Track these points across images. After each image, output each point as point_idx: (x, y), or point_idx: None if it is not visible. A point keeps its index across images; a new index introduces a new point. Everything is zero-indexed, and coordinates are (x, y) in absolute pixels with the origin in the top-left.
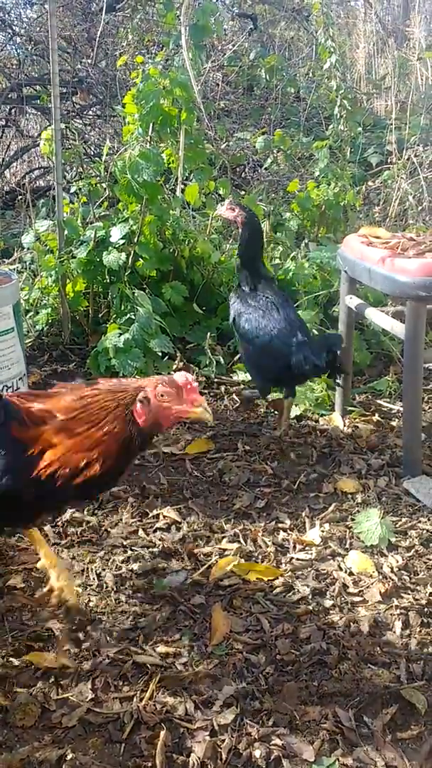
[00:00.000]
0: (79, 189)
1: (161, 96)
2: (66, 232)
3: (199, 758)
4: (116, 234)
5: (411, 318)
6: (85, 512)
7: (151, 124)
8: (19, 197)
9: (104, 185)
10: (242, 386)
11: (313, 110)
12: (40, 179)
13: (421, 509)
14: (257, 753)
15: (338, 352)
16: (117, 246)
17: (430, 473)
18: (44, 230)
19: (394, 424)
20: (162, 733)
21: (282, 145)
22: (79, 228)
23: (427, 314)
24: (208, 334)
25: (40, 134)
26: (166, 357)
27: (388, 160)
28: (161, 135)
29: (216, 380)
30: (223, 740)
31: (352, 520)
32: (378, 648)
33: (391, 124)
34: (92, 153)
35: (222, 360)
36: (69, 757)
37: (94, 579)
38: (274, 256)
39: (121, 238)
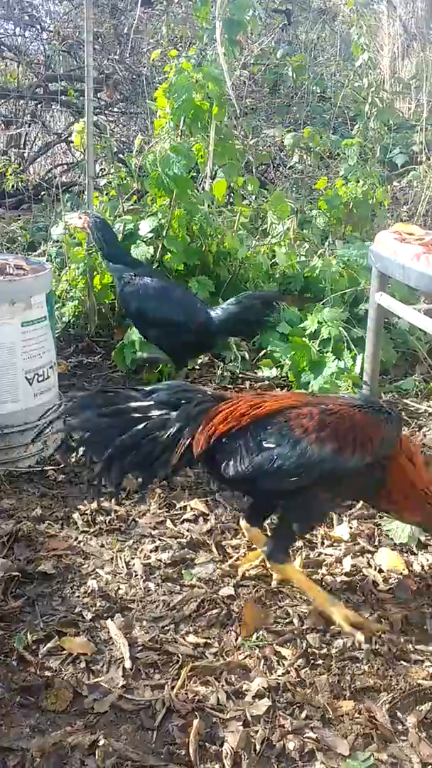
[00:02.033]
0: (109, 182)
1: (194, 90)
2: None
3: (232, 748)
4: (145, 227)
5: None
6: (113, 502)
7: (182, 118)
8: (43, 193)
9: (133, 179)
10: (267, 382)
11: (339, 110)
12: (64, 175)
13: None
14: (291, 745)
15: (277, 305)
16: (145, 239)
17: None
18: (72, 224)
19: (421, 422)
20: (195, 722)
21: (311, 141)
22: (108, 220)
23: None
24: None
25: (65, 131)
26: None
27: (416, 160)
28: (192, 129)
29: (241, 376)
30: (257, 731)
31: (381, 517)
32: (410, 645)
33: (417, 124)
34: (117, 149)
35: (247, 356)
36: (101, 742)
37: (123, 567)
38: (300, 253)
39: (150, 232)
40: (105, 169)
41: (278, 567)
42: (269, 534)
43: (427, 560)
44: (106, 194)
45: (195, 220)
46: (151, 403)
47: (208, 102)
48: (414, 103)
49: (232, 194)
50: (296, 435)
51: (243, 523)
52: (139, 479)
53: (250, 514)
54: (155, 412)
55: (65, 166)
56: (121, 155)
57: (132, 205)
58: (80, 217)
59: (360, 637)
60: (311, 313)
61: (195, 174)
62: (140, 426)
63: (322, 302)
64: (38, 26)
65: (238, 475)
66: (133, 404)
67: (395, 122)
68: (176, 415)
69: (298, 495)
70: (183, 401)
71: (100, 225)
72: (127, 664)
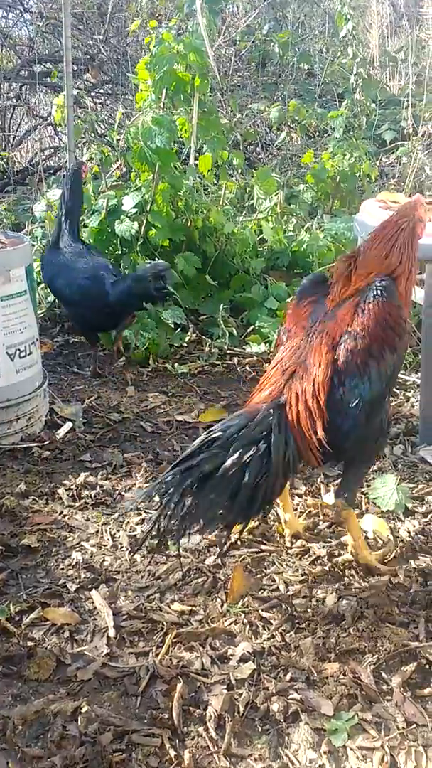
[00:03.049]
0: (91, 157)
1: (175, 61)
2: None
3: (216, 711)
4: (128, 203)
5: (430, 280)
6: (99, 476)
7: (164, 90)
8: (29, 176)
9: (116, 154)
10: (255, 357)
11: (326, 86)
12: (51, 159)
13: None
14: (275, 707)
15: (168, 276)
16: (129, 215)
17: None
18: (56, 199)
19: (409, 394)
20: (179, 686)
21: (297, 115)
22: (91, 197)
23: None
24: (221, 305)
25: (50, 115)
26: (179, 328)
27: (405, 135)
28: (174, 101)
29: (229, 352)
30: (241, 694)
31: (368, 486)
32: (396, 608)
33: (407, 101)
34: (103, 132)
35: (235, 332)
36: (84, 709)
37: (108, 540)
38: (288, 228)
39: (134, 207)
40: (88, 150)
41: (349, 512)
42: (341, 483)
43: (414, 526)
44: (88, 171)
45: (180, 195)
46: (240, 450)
47: (190, 73)
48: (402, 80)
49: (217, 169)
50: (365, 372)
51: None
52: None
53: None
54: (247, 456)
55: (52, 150)
56: (108, 136)
57: (115, 181)
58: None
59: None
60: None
61: (180, 149)
62: (247, 478)
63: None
64: (21, 8)
65: (351, 445)
66: (229, 462)
67: (383, 98)
68: (268, 446)
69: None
70: (262, 432)
71: (78, 174)
72: (111, 632)
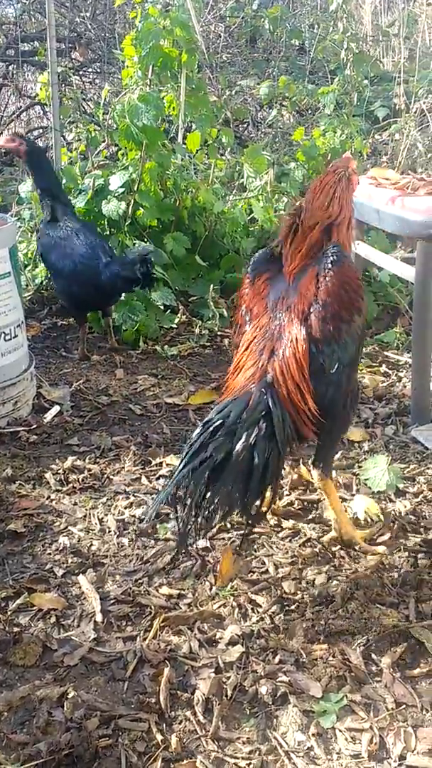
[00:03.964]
0: (78, 136)
1: (161, 36)
2: (64, 180)
3: (203, 694)
4: (116, 182)
5: (422, 259)
6: (87, 460)
7: (150, 67)
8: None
9: (103, 133)
10: None
11: (318, 63)
12: (39, 140)
13: (429, 456)
14: (263, 689)
15: (152, 261)
16: (116, 194)
17: None
18: None
19: (401, 374)
20: (166, 671)
21: (287, 92)
22: (77, 176)
23: None
24: (211, 286)
25: (37, 94)
26: (169, 310)
27: (397, 113)
28: (161, 78)
29: (220, 333)
30: (229, 677)
31: (359, 467)
32: (386, 589)
33: (399, 77)
34: (91, 111)
35: (225, 313)
36: (71, 694)
37: (96, 524)
38: (279, 207)
39: (121, 187)
40: (76, 126)
41: (328, 483)
42: (317, 454)
43: (405, 506)
44: (75, 151)
45: (168, 174)
46: (245, 433)
47: (177, 49)
48: (395, 56)
49: (206, 147)
50: (339, 338)
51: None
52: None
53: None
54: (253, 438)
55: (40, 130)
56: (94, 116)
57: (102, 160)
58: (13, 139)
59: (381, 549)
60: None
61: (167, 127)
62: (257, 459)
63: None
64: None
65: (337, 407)
66: (238, 446)
67: (376, 74)
68: (268, 424)
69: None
70: (261, 412)
71: (37, 151)
72: (98, 617)
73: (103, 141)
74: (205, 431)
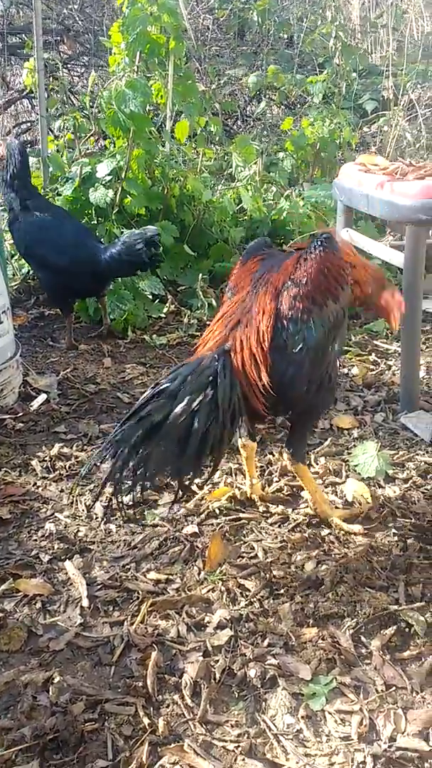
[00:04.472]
0: (65, 124)
1: (148, 22)
2: (50, 169)
3: (191, 678)
4: (103, 170)
5: (410, 244)
6: (74, 448)
7: (138, 53)
8: None
9: (90, 121)
10: None
11: (307, 56)
12: (27, 133)
13: (418, 443)
14: (252, 673)
15: (159, 242)
16: (104, 182)
17: (428, 409)
18: None
19: (390, 363)
20: (153, 654)
21: (276, 81)
22: (64, 164)
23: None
24: (200, 276)
25: (26, 88)
26: (157, 299)
27: (386, 106)
28: (149, 65)
29: (208, 323)
30: (217, 660)
31: (349, 454)
32: (375, 572)
33: (387, 70)
34: (79, 101)
35: (214, 303)
36: (56, 679)
37: (83, 510)
38: (268, 197)
39: (108, 174)
40: (63, 115)
41: (298, 466)
42: (288, 440)
43: (394, 492)
44: (62, 139)
45: (156, 162)
46: (187, 397)
47: (164, 36)
48: (383, 50)
49: (195, 136)
50: (308, 319)
51: (242, 441)
52: (212, 465)
53: (252, 428)
54: (196, 403)
55: (29, 125)
56: (81, 105)
57: (89, 148)
58: None
59: (356, 528)
60: None
61: (156, 116)
62: (196, 424)
63: (290, 244)
64: None
65: (298, 394)
66: (178, 409)
67: (364, 67)
68: (215, 391)
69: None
70: (209, 377)
71: (21, 150)
72: (85, 602)
73: (90, 129)
74: (152, 394)
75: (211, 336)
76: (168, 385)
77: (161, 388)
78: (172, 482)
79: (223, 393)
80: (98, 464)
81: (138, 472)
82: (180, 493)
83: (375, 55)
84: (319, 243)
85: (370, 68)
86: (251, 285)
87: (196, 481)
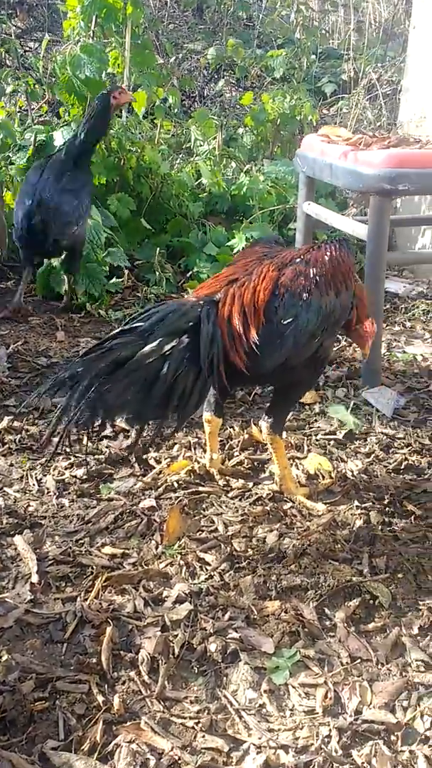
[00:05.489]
0: (17, 89)
1: None
2: (1, 135)
3: (149, 654)
4: (59, 138)
5: (374, 215)
6: (25, 421)
7: (93, 17)
8: None
9: (43, 87)
10: None
11: (266, 37)
12: None
13: (380, 418)
14: (212, 647)
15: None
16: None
17: (389, 384)
18: None
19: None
20: (108, 630)
21: (235, 56)
22: (16, 131)
23: None
24: (158, 250)
25: None
26: (114, 276)
27: (345, 87)
28: (105, 30)
29: (165, 298)
30: (176, 635)
31: (310, 428)
32: (339, 545)
33: (347, 54)
34: (31, 65)
35: (172, 278)
36: (4, 657)
37: (33, 484)
38: (227, 173)
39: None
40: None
41: (275, 438)
42: (268, 410)
43: (356, 465)
44: (13, 106)
45: (112, 133)
46: (160, 339)
47: (121, 1)
48: (343, 34)
49: (153, 108)
50: (306, 298)
51: (208, 415)
52: (177, 419)
53: (217, 404)
54: (168, 346)
55: None
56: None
57: (42, 115)
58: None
59: (320, 507)
60: (239, 231)
61: (112, 85)
62: (165, 369)
63: (249, 219)
64: None
65: (273, 365)
66: (146, 349)
67: (324, 50)
68: (192, 339)
69: (303, 353)
70: (188, 322)
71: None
72: (35, 578)
73: (43, 96)
74: (120, 330)
75: (204, 288)
76: (140, 324)
77: (132, 325)
78: (130, 427)
79: (205, 340)
80: (52, 393)
81: (96, 407)
82: (138, 440)
83: (333, 41)
84: (336, 240)
85: (329, 51)
86: (257, 257)
87: (153, 454)
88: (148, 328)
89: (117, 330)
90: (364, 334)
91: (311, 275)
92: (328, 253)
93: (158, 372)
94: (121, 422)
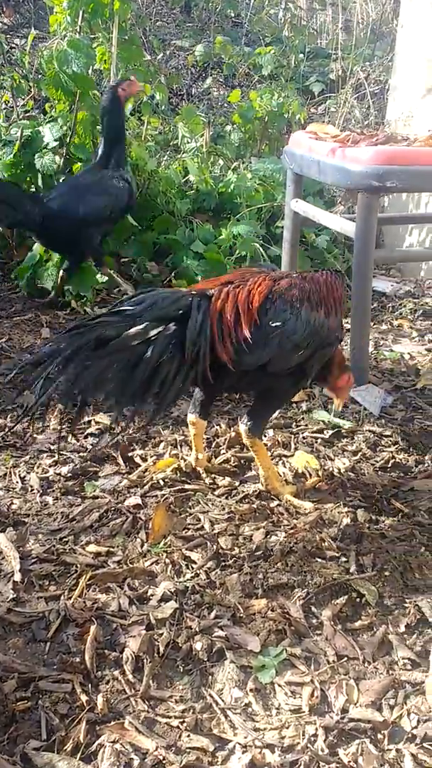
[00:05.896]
0: (1, 85)
1: None
2: None
3: (133, 653)
4: (48, 135)
5: (362, 212)
6: (8, 419)
7: (80, 12)
8: None
9: (29, 82)
10: None
11: (254, 35)
12: None
13: (367, 416)
14: (198, 646)
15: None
16: (51, 148)
17: (376, 383)
18: None
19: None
20: (92, 629)
21: (223, 53)
22: (2, 127)
23: None
24: (144, 248)
25: None
26: (99, 273)
27: (333, 86)
28: (92, 25)
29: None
30: (161, 634)
31: (297, 426)
32: (326, 543)
33: (335, 53)
34: (18, 65)
35: (153, 276)
36: None
37: (17, 482)
38: (214, 170)
39: (56, 140)
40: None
41: (254, 441)
42: (248, 412)
43: (344, 463)
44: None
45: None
46: (147, 323)
47: None
48: (330, 33)
49: (140, 104)
50: (297, 308)
51: (193, 417)
52: (155, 406)
53: (203, 407)
54: (155, 331)
55: None
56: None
57: (28, 111)
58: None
59: (308, 505)
60: (226, 228)
61: (99, 83)
62: (150, 353)
63: (236, 216)
64: None
65: (255, 362)
66: (131, 332)
67: (312, 49)
68: (179, 327)
69: (295, 370)
70: (178, 310)
71: None
72: (18, 576)
73: (29, 91)
74: (110, 312)
75: (197, 287)
76: (129, 307)
77: (120, 308)
78: (109, 410)
79: (193, 327)
80: (30, 368)
81: (74, 382)
82: (115, 424)
83: (322, 40)
84: (332, 270)
85: (317, 50)
86: (254, 272)
87: (139, 452)
88: (137, 312)
89: (105, 311)
90: (342, 385)
91: (305, 289)
92: (324, 277)
93: (142, 355)
94: (102, 417)
